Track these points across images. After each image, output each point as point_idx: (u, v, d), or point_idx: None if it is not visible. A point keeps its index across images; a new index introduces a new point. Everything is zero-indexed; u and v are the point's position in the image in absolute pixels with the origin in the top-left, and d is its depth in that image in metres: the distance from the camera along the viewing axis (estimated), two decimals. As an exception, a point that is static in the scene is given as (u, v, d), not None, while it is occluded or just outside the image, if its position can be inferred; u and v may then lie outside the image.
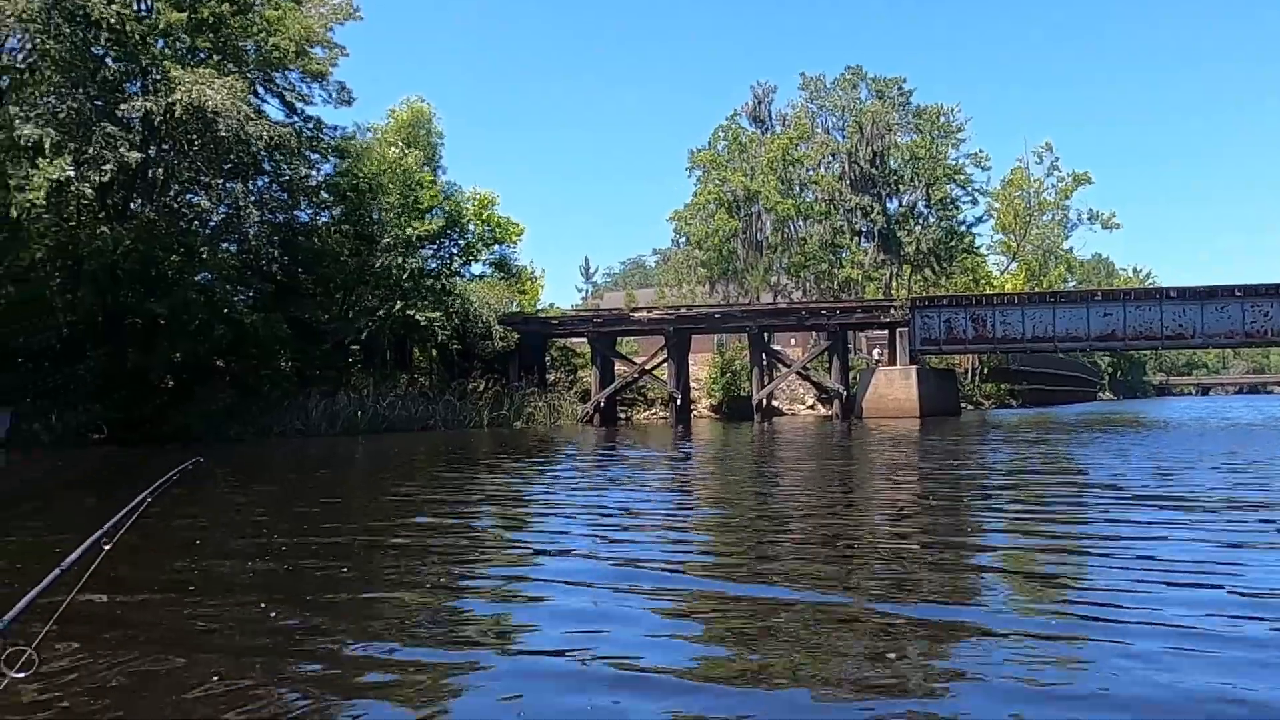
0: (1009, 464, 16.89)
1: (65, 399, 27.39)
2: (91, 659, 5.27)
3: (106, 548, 2.99)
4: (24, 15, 26.53)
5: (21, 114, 27.24)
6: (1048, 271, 66.22)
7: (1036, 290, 50.18)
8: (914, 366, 40.61)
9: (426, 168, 39.58)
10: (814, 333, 49.19)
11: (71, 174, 26.40)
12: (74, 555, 2.88)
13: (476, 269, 41.92)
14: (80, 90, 28.61)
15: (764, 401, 42.25)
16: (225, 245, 32.86)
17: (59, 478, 18.37)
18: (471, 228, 40.64)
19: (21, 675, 2.36)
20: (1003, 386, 68.77)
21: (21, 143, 26.69)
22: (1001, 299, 43.81)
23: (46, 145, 26.57)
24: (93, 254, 28.21)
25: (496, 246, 42.18)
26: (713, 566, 7.41)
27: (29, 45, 28.06)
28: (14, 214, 26.31)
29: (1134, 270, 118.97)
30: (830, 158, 51.91)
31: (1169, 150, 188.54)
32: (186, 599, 6.48)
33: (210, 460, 4.01)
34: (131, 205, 31.53)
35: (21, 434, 26.31)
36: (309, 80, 34.47)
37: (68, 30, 27.64)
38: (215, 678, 4.59)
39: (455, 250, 40.28)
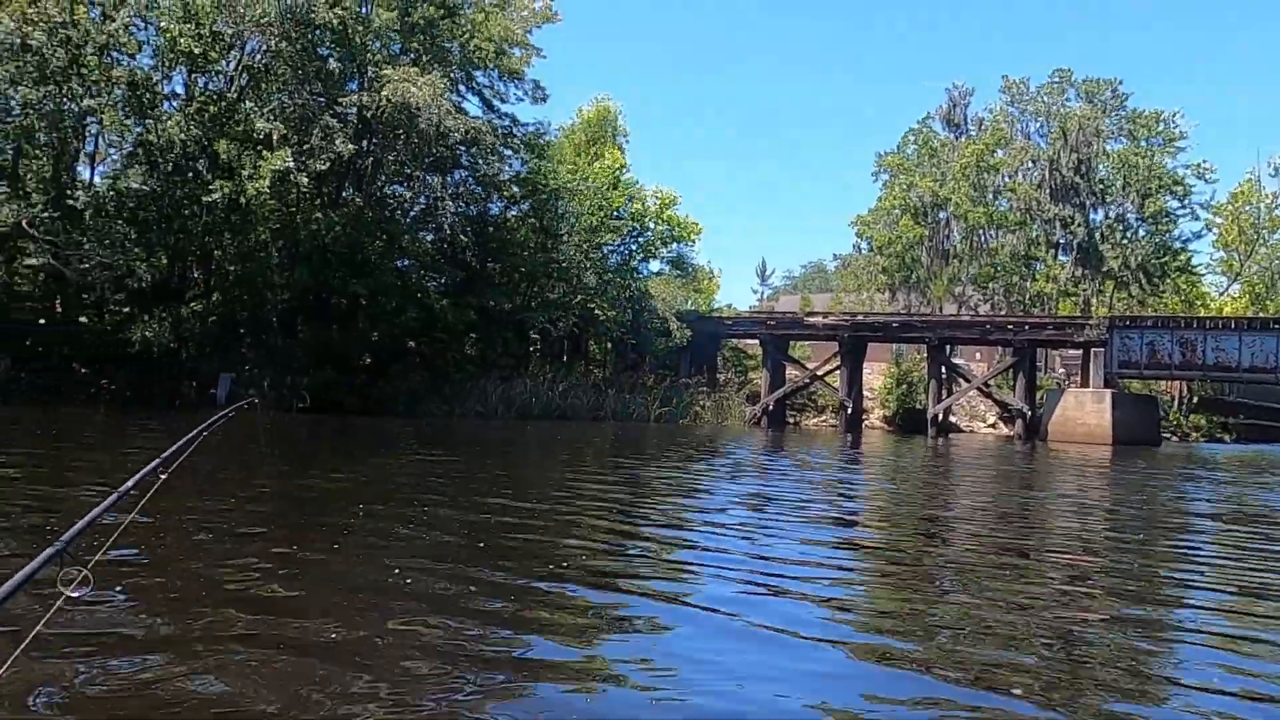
0: (1218, 505, 15.53)
1: (277, 369, 30.00)
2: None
3: (163, 476, 3.14)
4: (261, 20, 29.24)
5: (255, 109, 30.08)
6: (1275, 295, 59.85)
7: (1256, 315, 45.57)
8: (1108, 390, 37.86)
9: (613, 167, 40.55)
10: (1000, 348, 46.78)
11: (291, 165, 28.85)
12: (130, 482, 2.96)
13: (654, 266, 42.63)
14: (306, 87, 31.30)
15: (940, 416, 40.65)
16: (423, 234, 34.99)
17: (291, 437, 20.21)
18: (652, 226, 41.33)
19: (77, 594, 2.35)
20: (1214, 419, 62.76)
21: (255, 136, 29.48)
22: (1215, 322, 40.09)
23: (275, 138, 29.22)
24: (308, 237, 30.82)
25: (675, 245, 42.66)
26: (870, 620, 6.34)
27: (265, 47, 30.89)
28: (243, 201, 29.09)
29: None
30: (1030, 164, 49.03)
31: None
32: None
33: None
34: (343, 194, 34.16)
35: (237, 397, 29.07)
36: (506, 78, 36.18)
37: (296, 34, 30.26)
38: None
39: (635, 247, 41.09)
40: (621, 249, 40.74)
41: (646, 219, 41.06)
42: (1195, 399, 59.11)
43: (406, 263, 34.10)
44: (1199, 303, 57.59)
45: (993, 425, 48.72)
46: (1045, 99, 51.40)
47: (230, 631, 4.79)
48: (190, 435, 3.70)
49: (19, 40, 27.20)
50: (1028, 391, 39.88)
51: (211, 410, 26.77)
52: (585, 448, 22.42)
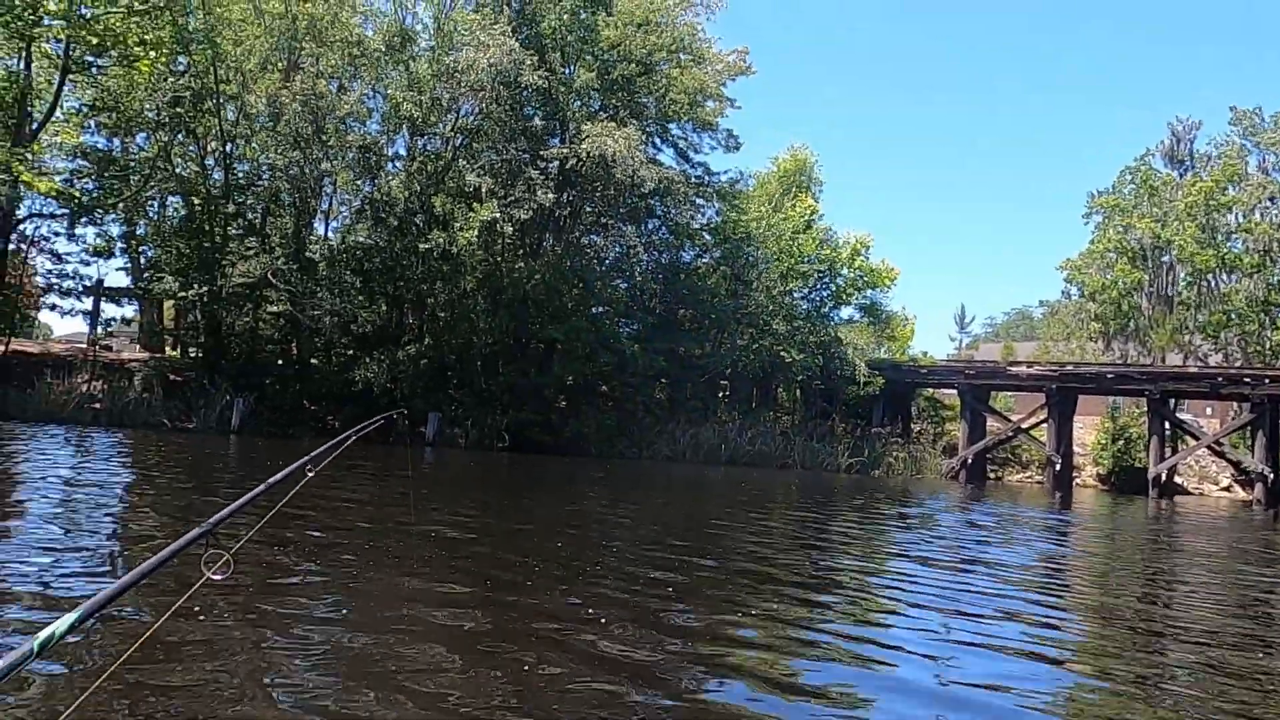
0: None
1: (480, 409, 31.72)
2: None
3: (310, 474, 3.29)
4: (475, 85, 31.49)
5: (467, 165, 32.34)
6: None
7: None
8: (1373, 452, 33.42)
9: (805, 213, 40.41)
10: (1235, 403, 42.32)
11: (498, 215, 30.70)
12: (279, 475, 3.08)
13: (846, 313, 41.86)
14: (512, 144, 33.37)
15: (1163, 476, 37.20)
16: (616, 281, 36.16)
17: (492, 475, 21.38)
18: (844, 272, 40.72)
19: (219, 577, 2.42)
20: None
21: (465, 190, 31.68)
22: None
23: (483, 190, 31.25)
24: (510, 284, 32.62)
25: (869, 291, 41.75)
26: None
27: (477, 109, 33.20)
28: (454, 250, 31.21)
29: None
30: (1268, 202, 44.45)
31: None
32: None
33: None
34: (543, 244, 35.94)
35: (445, 436, 30.94)
36: (699, 129, 37.00)
37: (505, 95, 32.36)
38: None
39: (826, 294, 40.59)
40: (812, 296, 40.33)
41: (839, 265, 40.48)
42: None
43: (601, 309, 35.32)
44: None
45: (1227, 488, 44.07)
46: (1283, 130, 46.57)
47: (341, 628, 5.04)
48: (338, 439, 3.95)
49: (274, 112, 30.71)
50: (1268, 451, 35.80)
51: (422, 446, 28.53)
52: (775, 495, 22.17)
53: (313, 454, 3.47)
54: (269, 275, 30.28)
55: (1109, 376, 38.75)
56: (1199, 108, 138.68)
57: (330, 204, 34.67)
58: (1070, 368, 40.78)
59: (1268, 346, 43.83)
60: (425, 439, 30.46)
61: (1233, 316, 44.29)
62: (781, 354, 36.64)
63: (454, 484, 18.31)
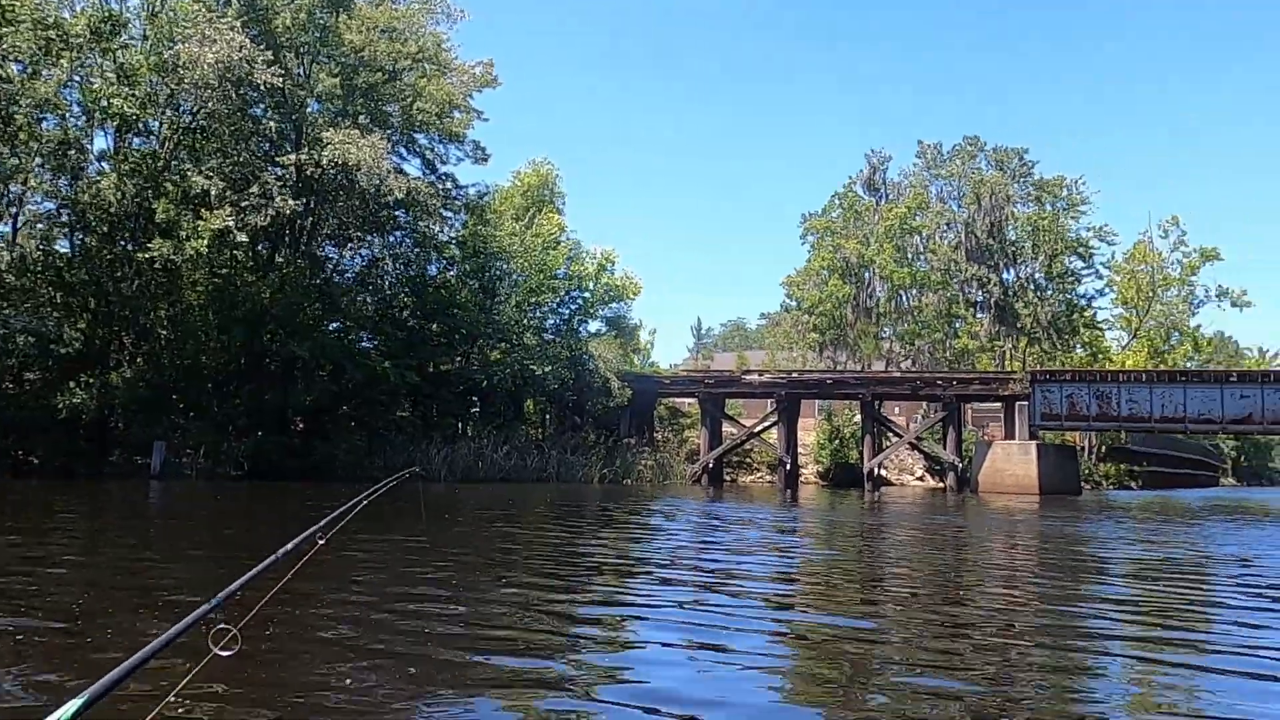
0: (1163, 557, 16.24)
1: (213, 435, 28.94)
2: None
3: (321, 542, 3.15)
4: (199, 82, 28.79)
5: (192, 168, 29.47)
6: (1172, 349, 63.50)
7: (1165, 369, 48.21)
8: (1034, 442, 39.40)
9: (555, 230, 40.88)
10: (926, 403, 48.25)
11: (231, 224, 28.25)
12: (289, 545, 2.96)
13: (593, 326, 42.82)
14: (244, 144, 30.89)
15: (874, 470, 41.57)
16: (362, 295, 34.53)
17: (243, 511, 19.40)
18: (591, 286, 41.63)
19: (226, 654, 2.37)
20: (1121, 467, 65.83)
21: (191, 193, 28.81)
22: (1128, 376, 42.26)
23: (212, 194, 28.55)
24: (245, 298, 30.08)
25: (613, 304, 43.01)
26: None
27: (199, 109, 30.36)
28: (179, 261, 28.27)
29: (1260, 350, 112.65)
30: (946, 227, 51.38)
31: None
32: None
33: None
34: (278, 256, 33.50)
35: (172, 466, 27.90)
36: (446, 140, 36.32)
37: (235, 94, 29.90)
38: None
39: (575, 308, 41.27)
40: (561, 309, 40.85)
41: (585, 279, 41.34)
42: (1104, 448, 61.93)
43: (346, 323, 33.55)
44: (1103, 356, 60.66)
45: (920, 478, 50.04)
46: (958, 164, 54.15)
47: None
48: (349, 504, 3.72)
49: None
50: (957, 445, 41.16)
51: (145, 480, 25.54)
52: (575, 511, 22.14)
53: (322, 523, 3.17)
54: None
55: (829, 382, 42.70)
56: (895, 141, 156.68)
57: (20, 206, 30.11)
58: (796, 375, 44.44)
59: (951, 353, 50.39)
60: (150, 471, 27.27)
61: (923, 327, 50.50)
62: (533, 367, 36.75)
63: (173, 519, 16.59)
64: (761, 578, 10.56)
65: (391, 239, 35.90)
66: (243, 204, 28.94)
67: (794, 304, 54.40)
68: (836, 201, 53.93)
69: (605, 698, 4.91)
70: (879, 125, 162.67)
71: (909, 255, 51.03)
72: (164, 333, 30.24)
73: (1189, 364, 64.18)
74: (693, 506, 24.91)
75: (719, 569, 11.17)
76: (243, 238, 29.01)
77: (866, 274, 51.74)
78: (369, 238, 34.79)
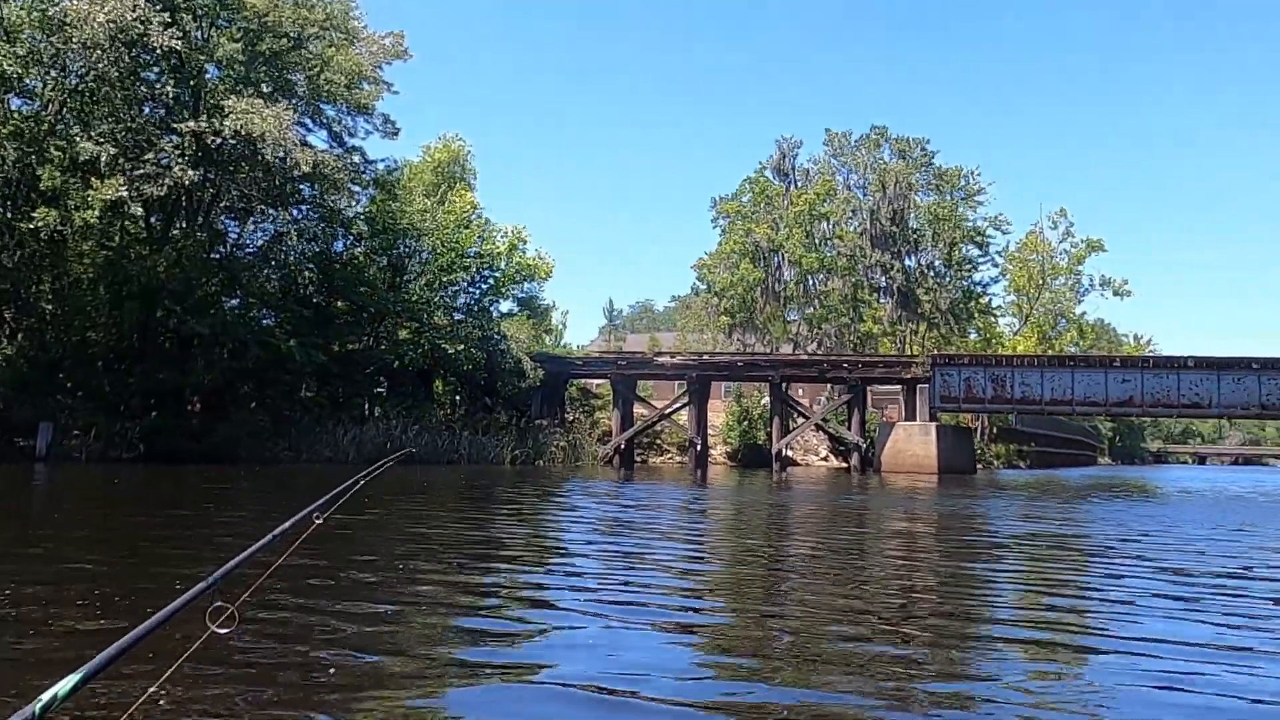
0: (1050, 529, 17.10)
1: (104, 415, 27.55)
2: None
3: (318, 521, 3.10)
4: (89, 42, 27.15)
5: (81, 132, 27.80)
6: (1059, 334, 66.79)
7: (1054, 354, 50.67)
8: (933, 423, 40.89)
9: (467, 208, 40.17)
10: (830, 385, 49.48)
11: (125, 194, 26.81)
12: (287, 524, 2.94)
13: (505, 306, 42.30)
14: (138, 109, 29.30)
15: (781, 451, 42.47)
16: (266, 271, 33.29)
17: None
18: (503, 265, 41.09)
19: (224, 631, 2.39)
20: (1011, 447, 69.02)
21: (80, 159, 27.17)
22: (1021, 360, 44.23)
23: (103, 161, 27.00)
24: (140, 272, 28.62)
25: (525, 284, 42.58)
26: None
27: (89, 71, 28.65)
28: (67, 232, 26.71)
29: (1135, 337, 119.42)
30: (852, 214, 52.69)
31: (1169, 218, 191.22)
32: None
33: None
34: (174, 229, 31.96)
35: (60, 449, 26.45)
36: (355, 112, 35.19)
37: (129, 56, 28.31)
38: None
39: (486, 286, 40.68)
40: (472, 289, 40.21)
41: (496, 258, 40.77)
42: (995, 430, 64.79)
43: (248, 300, 32.29)
44: (996, 341, 63.37)
45: (825, 458, 51.34)
46: (864, 153, 55.58)
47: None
48: (347, 484, 3.67)
49: None
50: (861, 426, 42.38)
51: (30, 464, 24.16)
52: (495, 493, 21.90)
53: (319, 502, 3.12)
54: None
55: (739, 365, 43.35)
56: (804, 127, 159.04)
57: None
58: (707, 357, 44.95)
59: (857, 337, 51.77)
60: (35, 453, 25.78)
61: (830, 311, 51.72)
62: (445, 347, 36.15)
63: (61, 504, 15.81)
64: (672, 559, 10.66)
65: (296, 213, 34.65)
66: (137, 173, 27.48)
67: (704, 287, 54.99)
68: (748, 186, 54.69)
69: (514, 684, 4.90)
70: (791, 112, 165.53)
71: (817, 240, 52.19)
72: (49, 308, 28.55)
73: (1073, 349, 67.65)
74: (605, 488, 25.01)
75: (630, 551, 11.25)
76: (137, 209, 27.56)
77: (776, 258, 52.67)
78: (272, 211, 33.50)
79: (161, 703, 4.13)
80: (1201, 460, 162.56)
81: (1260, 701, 4.84)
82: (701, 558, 11.26)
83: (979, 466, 54.57)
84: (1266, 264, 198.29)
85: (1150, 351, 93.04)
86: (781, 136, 56.82)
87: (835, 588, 8.64)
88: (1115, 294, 65.13)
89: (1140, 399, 40.85)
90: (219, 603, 2.37)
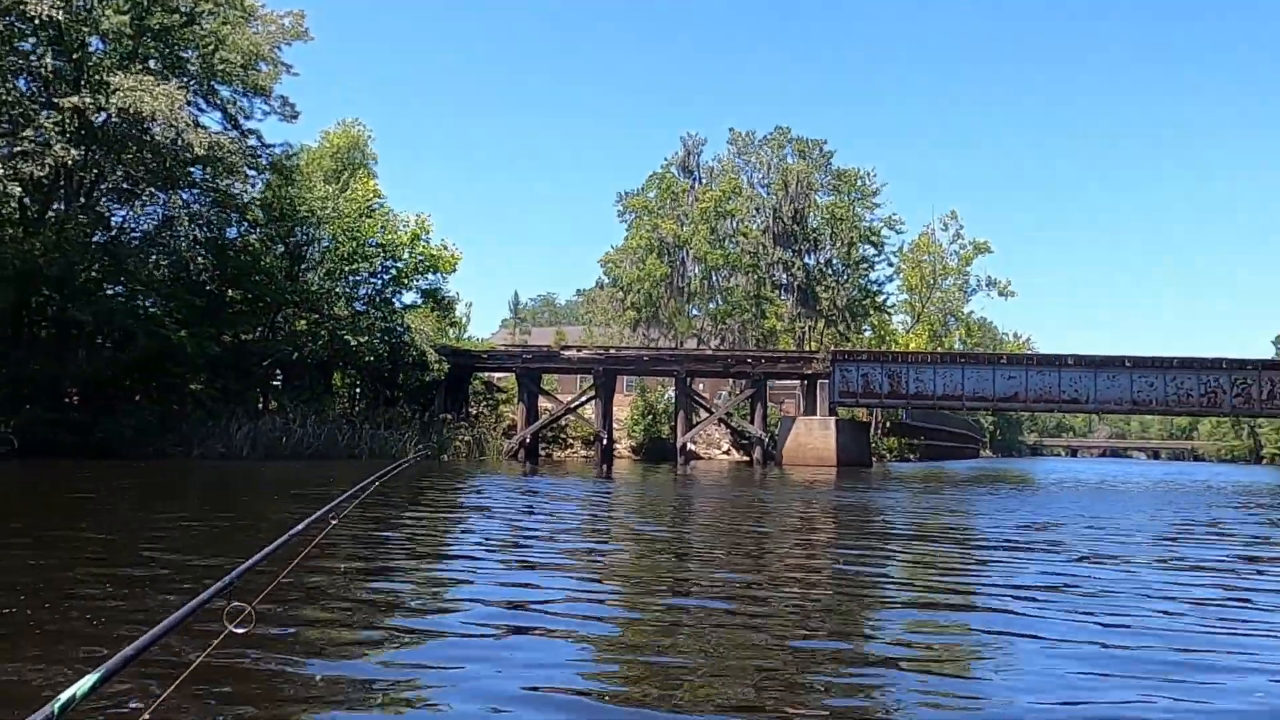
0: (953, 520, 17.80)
1: (-26, 408, 25.76)
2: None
3: (334, 522, 3.17)
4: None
5: (-51, 106, 25.92)
6: (949, 332, 69.60)
7: (946, 351, 52.71)
8: (833, 418, 42.01)
9: (369, 196, 39.10)
10: (732, 380, 50.35)
11: (1, 172, 25.10)
12: (301, 525, 2.99)
13: (408, 297, 41.35)
14: (12, 83, 27.45)
15: (686, 445, 42.92)
16: (156, 257, 31.67)
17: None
18: (406, 256, 40.15)
19: (241, 631, 2.42)
20: (902, 440, 71.61)
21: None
22: (915, 357, 45.88)
23: (-26, 138, 25.27)
24: (15, 255, 26.84)
25: (430, 275, 41.73)
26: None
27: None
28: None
29: (1015, 335, 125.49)
30: (755, 212, 53.62)
31: (1051, 220, 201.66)
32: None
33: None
34: (51, 211, 30.12)
35: (-78, 443, 24.59)
36: (252, 94, 33.82)
37: (2, 25, 26.51)
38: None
39: (388, 277, 39.69)
40: (374, 279, 39.18)
41: (400, 248, 39.81)
42: (888, 424, 67.10)
43: (135, 288, 30.66)
44: (890, 338, 65.60)
45: (727, 452, 52.16)
46: (768, 152, 56.64)
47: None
48: (362, 484, 3.65)
49: None
50: (763, 420, 43.21)
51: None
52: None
53: (335, 501, 3.15)
54: None
55: (645, 359, 43.58)
56: (710, 125, 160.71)
57: None
58: (613, 351, 45.02)
59: (761, 332, 52.71)
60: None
61: (734, 307, 52.51)
62: (347, 338, 35.15)
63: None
64: (576, 554, 10.62)
65: (187, 196, 33.07)
66: (14, 150, 25.75)
67: (610, 281, 55.08)
68: (654, 181, 55.00)
69: (419, 686, 4.80)
70: (697, 109, 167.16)
71: (722, 237, 52.92)
72: (-91, 291, 26.47)
73: (960, 346, 70.62)
74: (510, 483, 24.79)
75: (537, 546, 11.16)
76: (15, 188, 25.79)
77: (681, 254, 53.18)
78: (161, 195, 31.88)
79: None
80: (1073, 453, 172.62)
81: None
82: (608, 552, 11.26)
83: (873, 459, 56.46)
84: (1137, 266, 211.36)
85: (1029, 349, 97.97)
86: (686, 133, 57.48)
87: (732, 579, 8.82)
88: (1001, 294, 68.38)
89: (1025, 394, 42.95)
90: (236, 602, 2.41)
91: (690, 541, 12.50)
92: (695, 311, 54.41)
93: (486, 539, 11.71)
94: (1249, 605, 7.69)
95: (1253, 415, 57.32)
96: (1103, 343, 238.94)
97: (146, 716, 2.39)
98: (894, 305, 69.25)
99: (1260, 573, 10.08)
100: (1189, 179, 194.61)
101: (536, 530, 13.02)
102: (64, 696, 1.75)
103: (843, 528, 14.90)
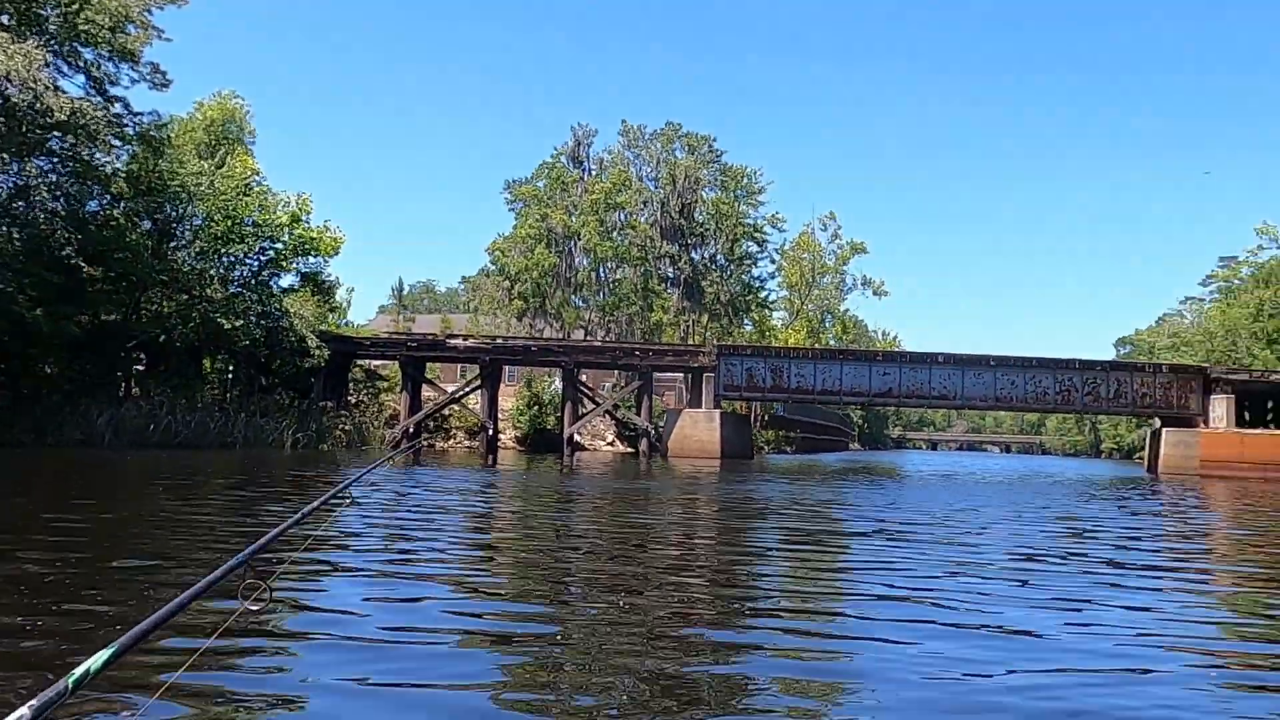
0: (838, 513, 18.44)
1: None
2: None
3: (347, 501, 3.23)
4: None
5: None
6: (826, 329, 71.84)
7: (826, 348, 54.36)
8: (717, 410, 42.76)
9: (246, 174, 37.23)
10: (618, 372, 50.54)
11: None
12: (316, 503, 3.01)
13: (286, 280, 39.63)
14: None
15: (572, 436, 42.85)
16: (6, 229, 29.27)
17: None
18: (285, 238, 38.42)
19: (255, 607, 2.45)
20: (779, 433, 73.63)
21: None
22: (798, 353, 47.22)
23: None
24: None
25: (311, 258, 40.09)
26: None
27: None
28: None
29: (884, 334, 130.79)
30: (644, 205, 53.93)
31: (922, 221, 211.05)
32: None
33: None
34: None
35: None
36: (118, 58, 31.63)
37: None
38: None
39: (266, 258, 37.91)
40: (250, 260, 37.35)
41: (279, 229, 38.07)
42: (766, 417, 68.81)
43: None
44: (770, 334, 67.22)
45: (612, 443, 52.37)
46: (658, 147, 56.97)
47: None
48: (371, 465, 3.60)
49: None
50: (650, 412, 43.59)
51: None
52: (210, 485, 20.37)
53: (347, 481, 3.24)
54: None
55: (533, 349, 43.25)
56: (601, 117, 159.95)
57: None
58: (500, 341, 44.47)
59: (648, 325, 53.05)
60: None
61: (622, 300, 52.68)
62: (220, 321, 33.43)
63: None
64: (455, 549, 10.36)
65: (45, 165, 30.68)
66: None
67: (497, 269, 54.32)
68: (544, 171, 54.49)
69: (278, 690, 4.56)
70: (588, 101, 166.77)
71: (610, 229, 52.95)
72: None
73: (834, 343, 73.02)
74: (394, 474, 24.18)
75: (412, 541, 10.80)
76: None
77: (570, 245, 52.94)
78: (15, 162, 29.45)
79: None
80: (934, 446, 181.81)
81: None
82: (489, 545, 11.09)
83: (754, 451, 57.83)
84: (997, 269, 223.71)
85: (897, 347, 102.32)
86: (577, 124, 57.23)
87: (612, 583, 8.70)
88: (875, 294, 70.99)
89: (899, 390, 44.86)
90: (251, 579, 2.42)
91: (578, 533, 12.46)
92: (582, 303, 54.29)
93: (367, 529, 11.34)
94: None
95: (1101, 413, 61.51)
96: (964, 342, 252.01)
97: (164, 689, 2.39)
98: (775, 301, 71.01)
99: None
100: (1045, 190, 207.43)
101: (418, 524, 12.65)
102: (78, 671, 1.75)
103: (727, 519, 15.19)
